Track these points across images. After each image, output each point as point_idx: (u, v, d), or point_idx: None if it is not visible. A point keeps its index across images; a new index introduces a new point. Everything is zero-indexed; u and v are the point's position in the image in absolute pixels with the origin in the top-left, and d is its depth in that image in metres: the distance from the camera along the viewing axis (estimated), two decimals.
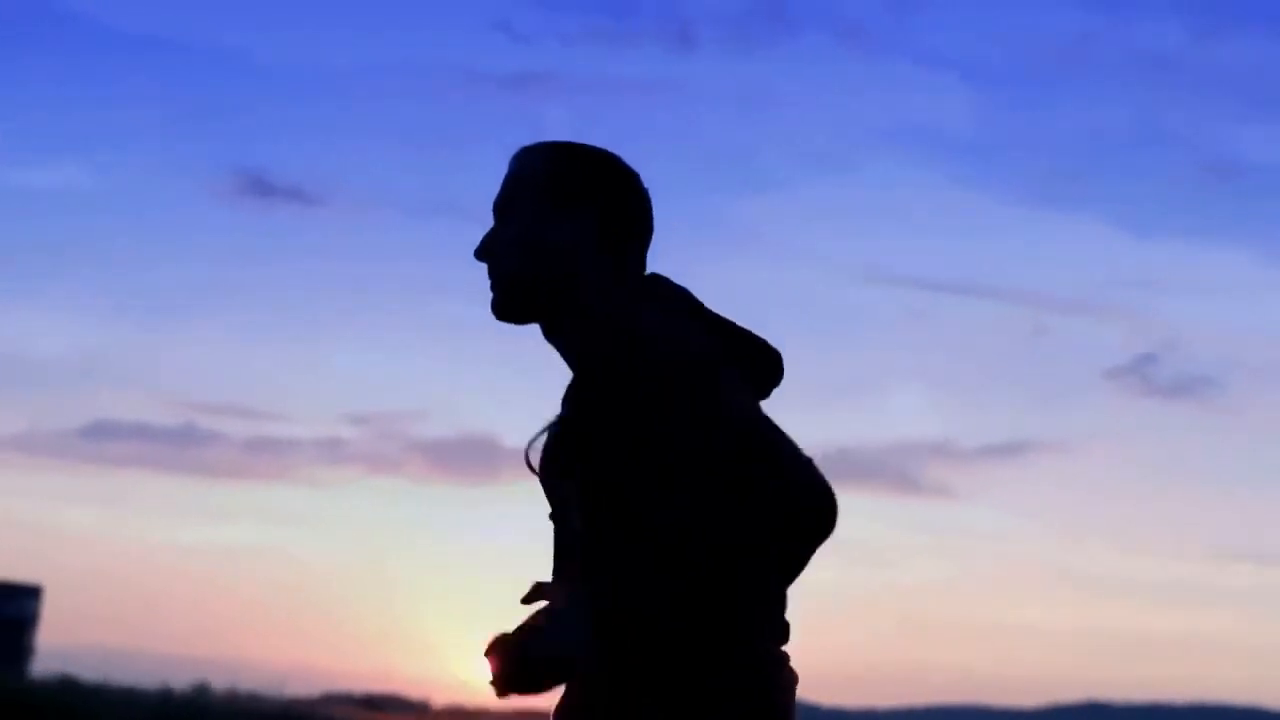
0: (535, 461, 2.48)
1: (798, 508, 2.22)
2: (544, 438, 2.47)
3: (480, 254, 2.49)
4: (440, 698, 26.73)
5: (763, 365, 2.41)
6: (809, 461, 2.28)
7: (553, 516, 2.47)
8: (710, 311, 2.43)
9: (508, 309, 2.46)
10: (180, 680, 23.36)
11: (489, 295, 2.49)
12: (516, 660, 2.29)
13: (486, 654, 2.32)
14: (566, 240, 2.42)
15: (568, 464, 2.38)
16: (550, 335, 2.48)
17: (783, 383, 2.44)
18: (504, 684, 2.31)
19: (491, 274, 2.48)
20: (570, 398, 2.45)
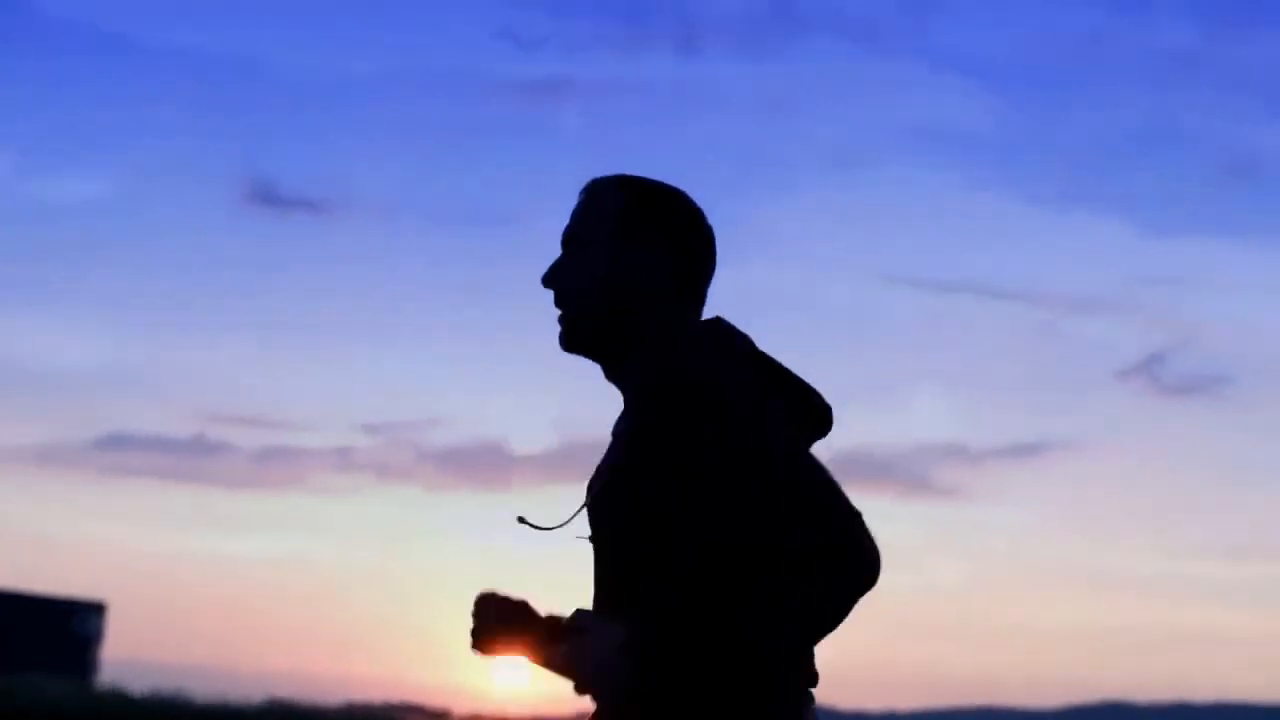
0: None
1: (844, 565, 2.20)
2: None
3: (547, 282, 2.49)
4: (460, 707, 26.78)
5: (812, 415, 2.41)
6: (857, 515, 2.24)
7: (592, 539, 2.45)
8: (768, 357, 2.43)
9: (577, 342, 2.47)
10: (197, 691, 23.58)
11: (556, 326, 2.49)
12: (502, 626, 2.31)
13: (477, 609, 2.34)
14: (638, 276, 2.43)
15: (614, 494, 2.35)
16: (611, 374, 2.49)
17: (830, 430, 2.43)
18: (483, 644, 2.33)
19: (560, 304, 2.48)
20: (618, 430, 2.45)
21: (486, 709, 25.35)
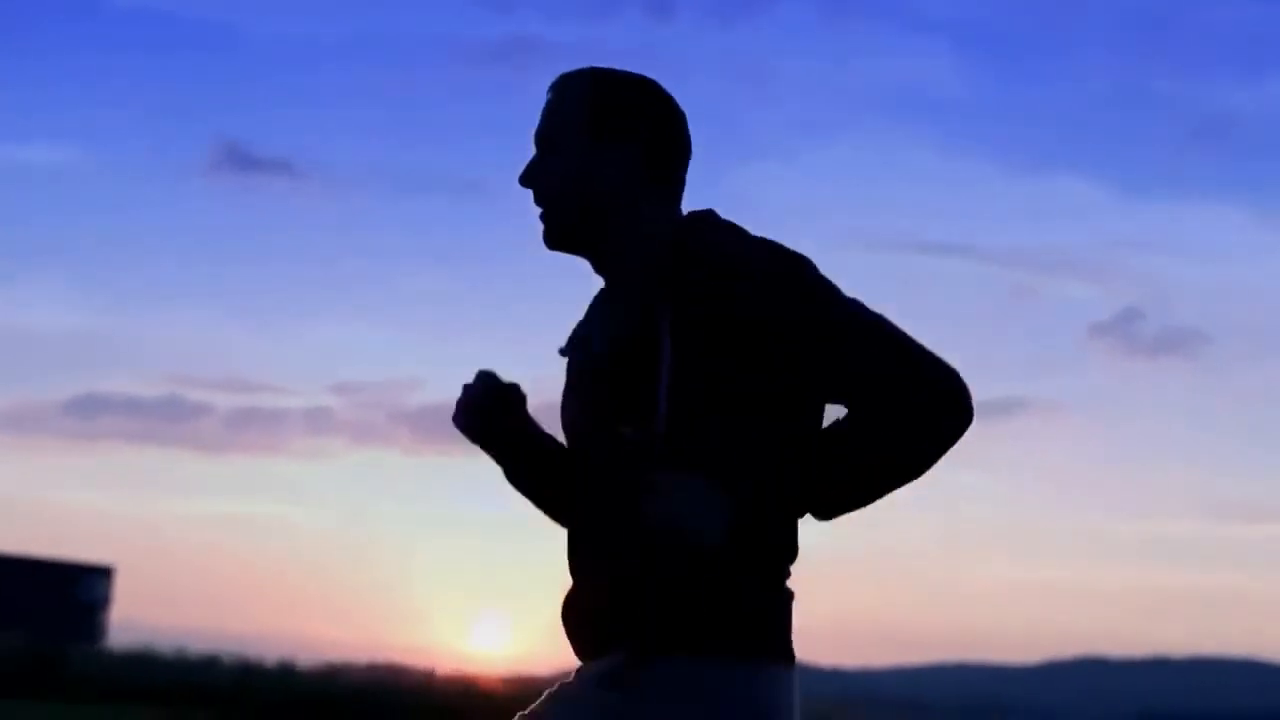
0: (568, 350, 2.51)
1: (942, 404, 2.28)
2: (588, 335, 2.48)
3: (524, 180, 2.48)
4: (441, 667, 26.41)
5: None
6: (937, 357, 2.31)
7: (580, 435, 2.45)
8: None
9: (560, 239, 2.46)
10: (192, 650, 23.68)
11: (538, 225, 2.47)
12: (502, 408, 2.38)
13: (477, 388, 2.42)
14: (615, 168, 2.42)
15: (647, 359, 2.31)
16: (602, 267, 2.48)
17: None
18: (466, 418, 2.41)
19: (539, 204, 2.47)
20: (618, 308, 2.43)
21: (468, 669, 25.26)
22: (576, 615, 2.41)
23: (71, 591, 34.96)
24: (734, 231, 2.38)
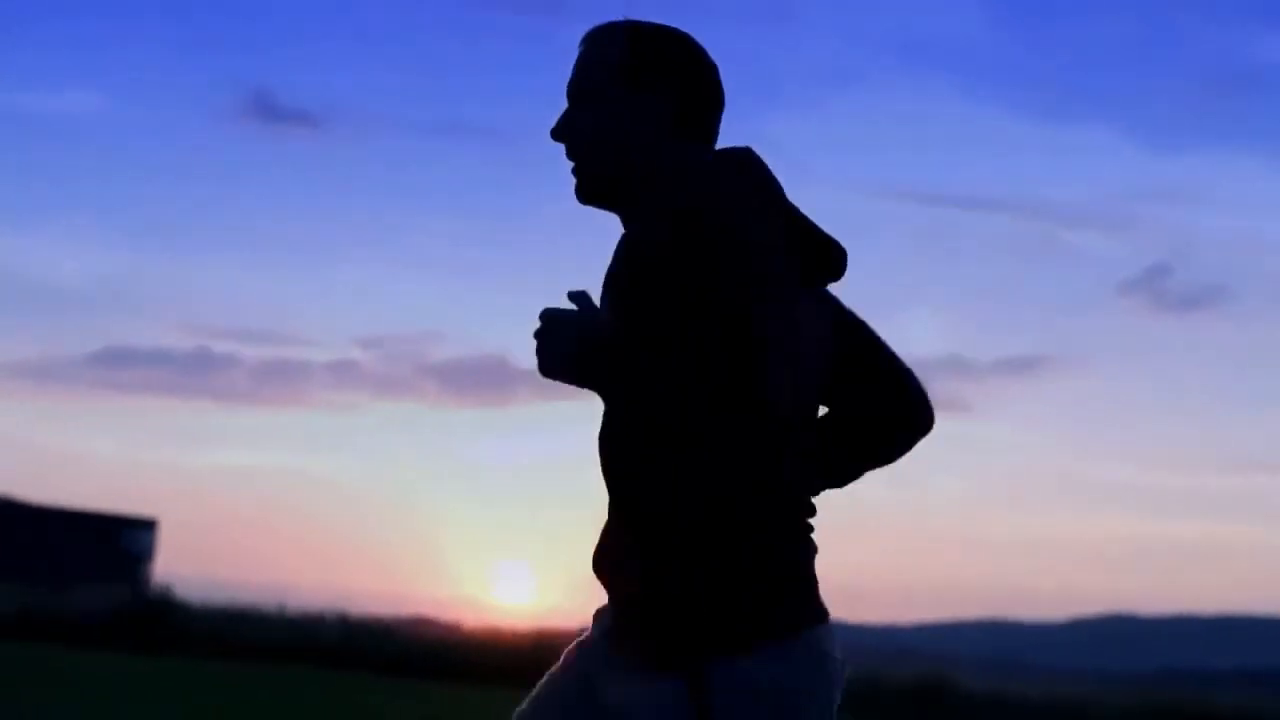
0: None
1: (911, 399, 2.46)
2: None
3: (557, 134, 2.47)
4: (468, 620, 26.57)
5: (828, 260, 2.44)
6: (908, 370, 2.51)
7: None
8: (788, 201, 2.42)
9: (593, 192, 2.45)
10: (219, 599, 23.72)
11: (570, 179, 2.47)
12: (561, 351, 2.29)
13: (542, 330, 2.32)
14: (648, 119, 2.42)
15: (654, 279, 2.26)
16: (632, 219, 2.43)
17: (843, 275, 2.47)
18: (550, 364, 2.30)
19: (572, 157, 2.46)
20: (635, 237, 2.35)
21: (495, 621, 25.46)
22: (610, 565, 2.41)
23: (116, 543, 35.29)
24: (720, 162, 2.39)
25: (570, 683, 2.46)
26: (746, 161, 2.40)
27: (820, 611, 2.36)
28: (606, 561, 2.41)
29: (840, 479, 2.52)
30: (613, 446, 2.37)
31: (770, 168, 2.42)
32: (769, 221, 2.34)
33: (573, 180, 2.48)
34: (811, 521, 2.39)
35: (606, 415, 2.38)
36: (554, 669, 2.48)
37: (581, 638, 2.50)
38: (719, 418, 2.26)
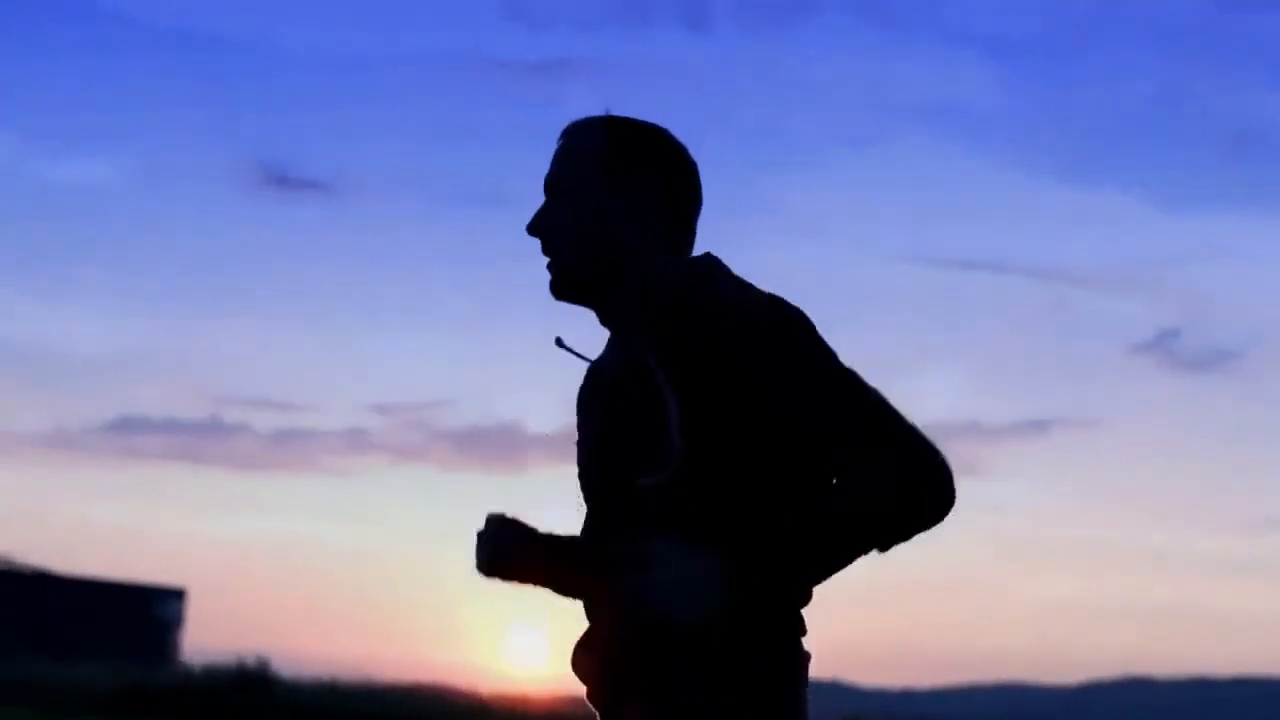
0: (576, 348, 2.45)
1: (918, 483, 2.20)
2: (592, 355, 2.44)
3: (533, 229, 2.42)
4: (483, 688, 26.55)
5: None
6: (923, 436, 2.23)
7: (586, 472, 2.41)
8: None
9: (568, 287, 2.41)
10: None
11: (546, 275, 2.43)
12: (518, 551, 2.26)
13: (488, 533, 2.28)
14: (625, 217, 2.38)
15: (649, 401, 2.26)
16: (608, 319, 2.42)
17: None
18: (491, 569, 2.27)
19: (548, 253, 2.41)
20: (627, 351, 2.36)
21: (510, 689, 25.35)
22: (585, 666, 2.39)
23: (148, 613, 35.65)
24: (734, 281, 2.35)
25: None
26: (720, 267, 2.39)
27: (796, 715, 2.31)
28: (583, 661, 2.38)
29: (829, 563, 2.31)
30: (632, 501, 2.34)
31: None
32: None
33: (548, 276, 2.44)
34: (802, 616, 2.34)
35: (595, 526, 2.40)
36: None
37: None
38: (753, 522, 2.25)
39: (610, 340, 2.46)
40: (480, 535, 2.30)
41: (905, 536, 2.24)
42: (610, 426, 2.37)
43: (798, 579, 2.26)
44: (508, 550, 2.28)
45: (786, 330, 2.25)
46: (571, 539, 2.38)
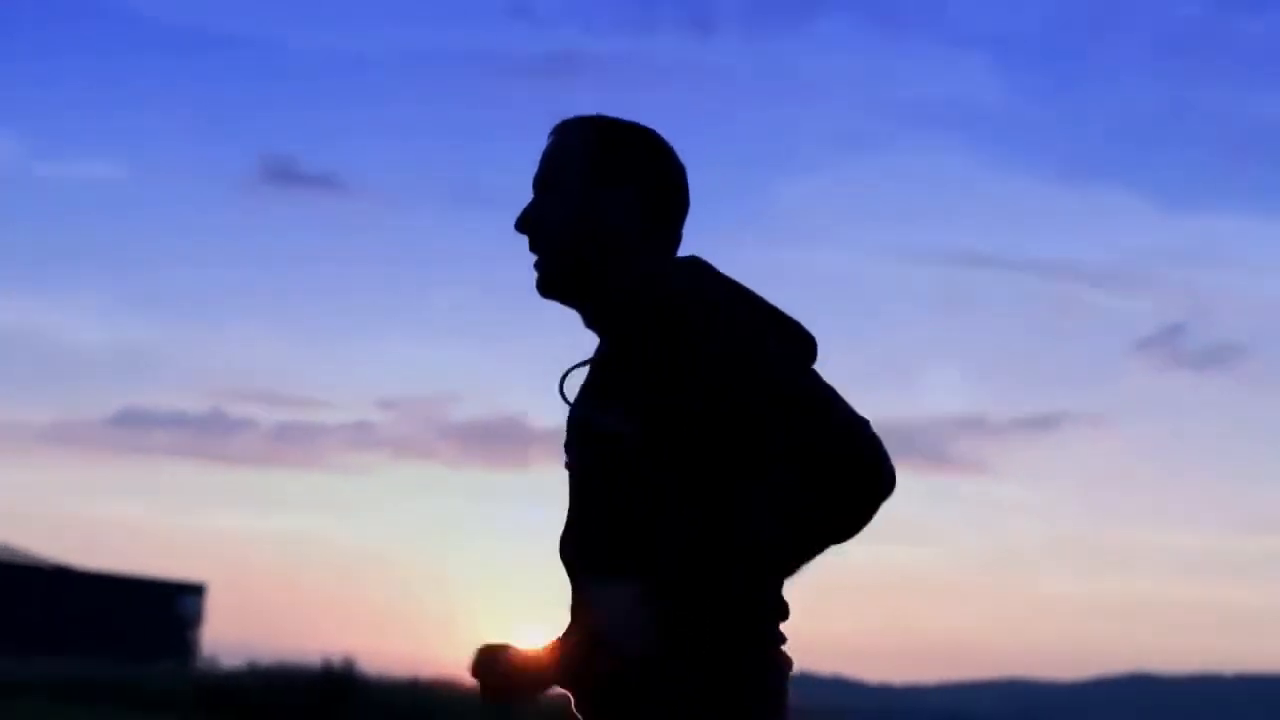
0: (569, 395, 2.45)
1: (853, 468, 2.18)
2: (582, 373, 2.46)
3: (520, 226, 2.43)
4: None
5: (797, 345, 2.33)
6: (864, 421, 2.22)
7: (571, 467, 2.43)
8: (751, 290, 2.35)
9: (554, 287, 2.43)
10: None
11: (532, 272, 2.45)
12: (508, 677, 2.32)
13: (476, 667, 2.34)
14: (612, 216, 2.39)
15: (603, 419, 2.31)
16: (593, 319, 2.43)
17: (816, 361, 2.35)
18: (494, 697, 2.33)
19: (535, 249, 2.43)
20: (605, 359, 2.40)
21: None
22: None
23: (167, 609, 35.80)
24: (710, 280, 2.34)
25: None
26: (705, 266, 2.39)
27: None
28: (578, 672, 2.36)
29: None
30: (584, 558, 2.39)
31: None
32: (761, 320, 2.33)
33: (534, 274, 2.45)
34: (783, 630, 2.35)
35: (579, 522, 2.43)
36: None
37: None
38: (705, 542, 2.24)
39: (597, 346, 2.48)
40: (472, 671, 2.37)
41: (858, 516, 2.23)
42: (575, 413, 2.43)
43: (748, 591, 2.26)
44: (501, 690, 2.35)
45: (742, 332, 2.27)
46: (556, 640, 2.39)
